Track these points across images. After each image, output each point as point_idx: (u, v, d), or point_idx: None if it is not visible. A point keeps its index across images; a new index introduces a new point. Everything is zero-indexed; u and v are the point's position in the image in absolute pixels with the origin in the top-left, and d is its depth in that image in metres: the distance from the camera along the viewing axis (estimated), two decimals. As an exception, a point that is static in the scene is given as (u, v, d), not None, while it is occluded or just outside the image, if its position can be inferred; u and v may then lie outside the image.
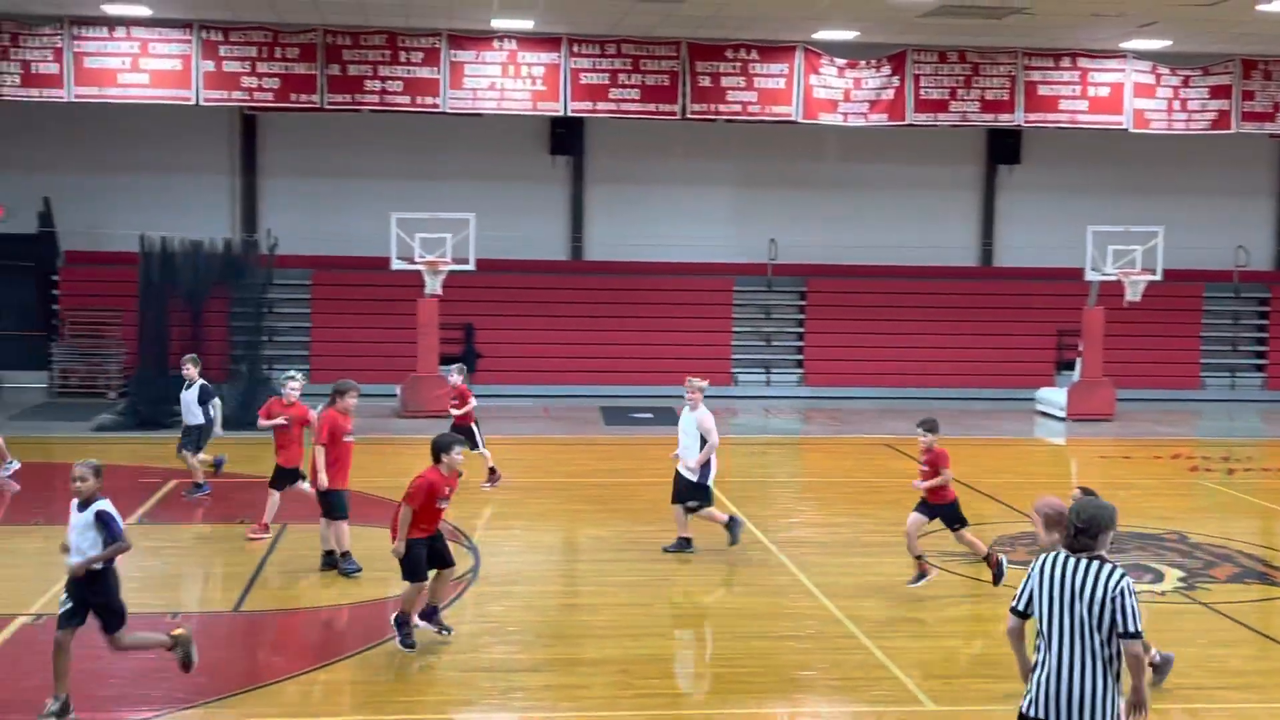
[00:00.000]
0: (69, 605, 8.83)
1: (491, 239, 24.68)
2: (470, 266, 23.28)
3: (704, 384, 14.12)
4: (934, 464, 12.34)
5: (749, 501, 16.23)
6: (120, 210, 25.68)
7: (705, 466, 13.56)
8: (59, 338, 25.18)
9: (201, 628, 11.00)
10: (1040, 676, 6.64)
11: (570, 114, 24.03)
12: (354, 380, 12.97)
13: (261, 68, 22.69)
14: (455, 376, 17.46)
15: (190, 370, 15.97)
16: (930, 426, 12.47)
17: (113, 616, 8.85)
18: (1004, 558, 12.31)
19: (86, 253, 25.97)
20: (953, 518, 12.42)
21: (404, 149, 26.83)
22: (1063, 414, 24.33)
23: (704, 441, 13.51)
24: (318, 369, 25.56)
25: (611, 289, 27.05)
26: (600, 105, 23.70)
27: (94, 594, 8.77)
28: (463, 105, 23.38)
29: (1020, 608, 6.81)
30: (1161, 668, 9.66)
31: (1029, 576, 6.79)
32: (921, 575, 12.23)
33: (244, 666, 10.22)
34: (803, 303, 28.01)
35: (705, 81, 23.73)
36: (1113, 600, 6.52)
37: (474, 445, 16.60)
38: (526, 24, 22.53)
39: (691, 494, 13.55)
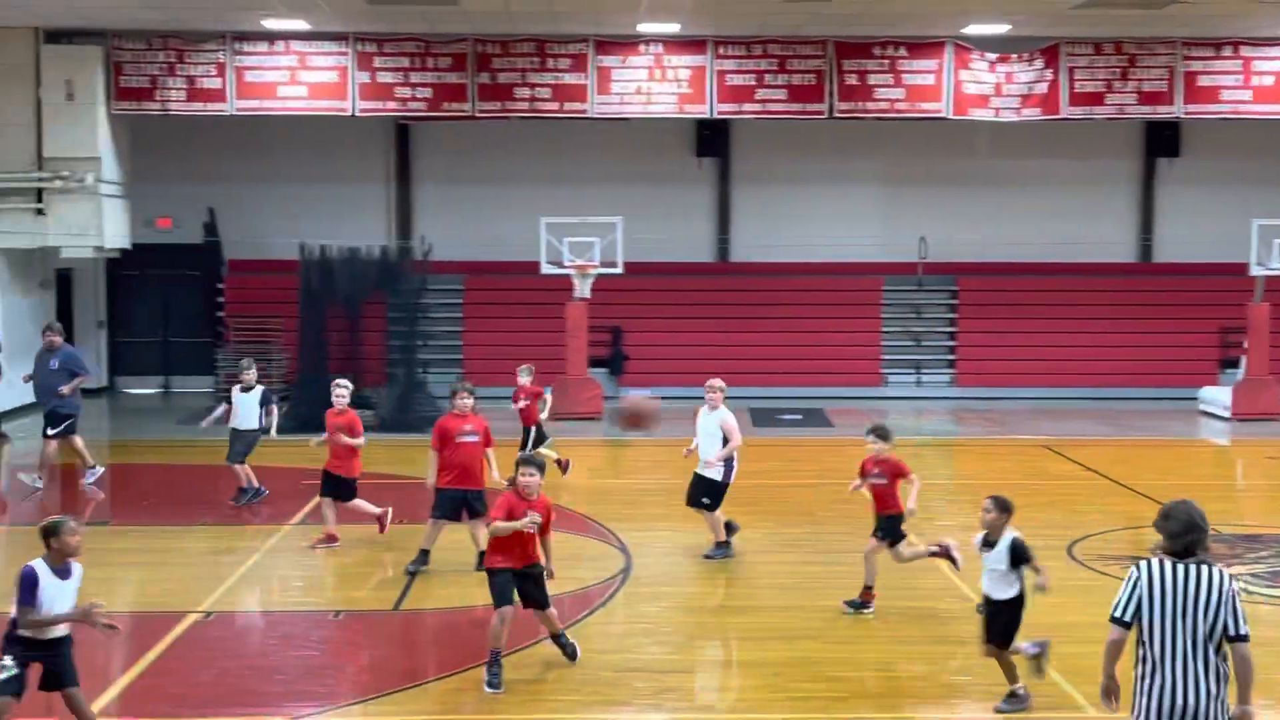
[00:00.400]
0: None
1: (638, 242, 24.83)
2: (618, 269, 23.45)
3: (723, 384, 13.95)
4: (893, 474, 11.71)
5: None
6: (281, 219, 26.46)
7: (728, 466, 13.37)
8: (224, 343, 26.04)
9: (362, 627, 11.30)
10: (1152, 692, 6.34)
11: (716, 116, 24.07)
12: (469, 382, 13.26)
13: (414, 78, 23.21)
14: (524, 378, 17.55)
15: (249, 375, 16.14)
16: (881, 434, 11.85)
17: None
18: (951, 542, 11.60)
19: (249, 261, 26.81)
20: (890, 530, 11.70)
21: (552, 154, 27.14)
22: (1227, 413, 23.56)
23: (725, 443, 13.31)
24: (470, 372, 26.02)
25: (758, 290, 26.98)
26: (746, 106, 23.69)
27: None
28: (610, 110, 23.58)
29: (1127, 618, 6.52)
30: (1039, 657, 9.42)
31: (1133, 585, 6.52)
32: (863, 605, 11.58)
33: (404, 665, 10.45)
34: (954, 301, 27.59)
35: (852, 80, 23.55)
36: (1224, 603, 6.27)
37: (533, 443, 16.67)
38: (672, 27, 22.62)
39: (707, 492, 13.32)
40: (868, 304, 27.19)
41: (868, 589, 11.58)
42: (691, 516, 15.78)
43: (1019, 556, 9.17)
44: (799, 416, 23.58)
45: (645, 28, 22.62)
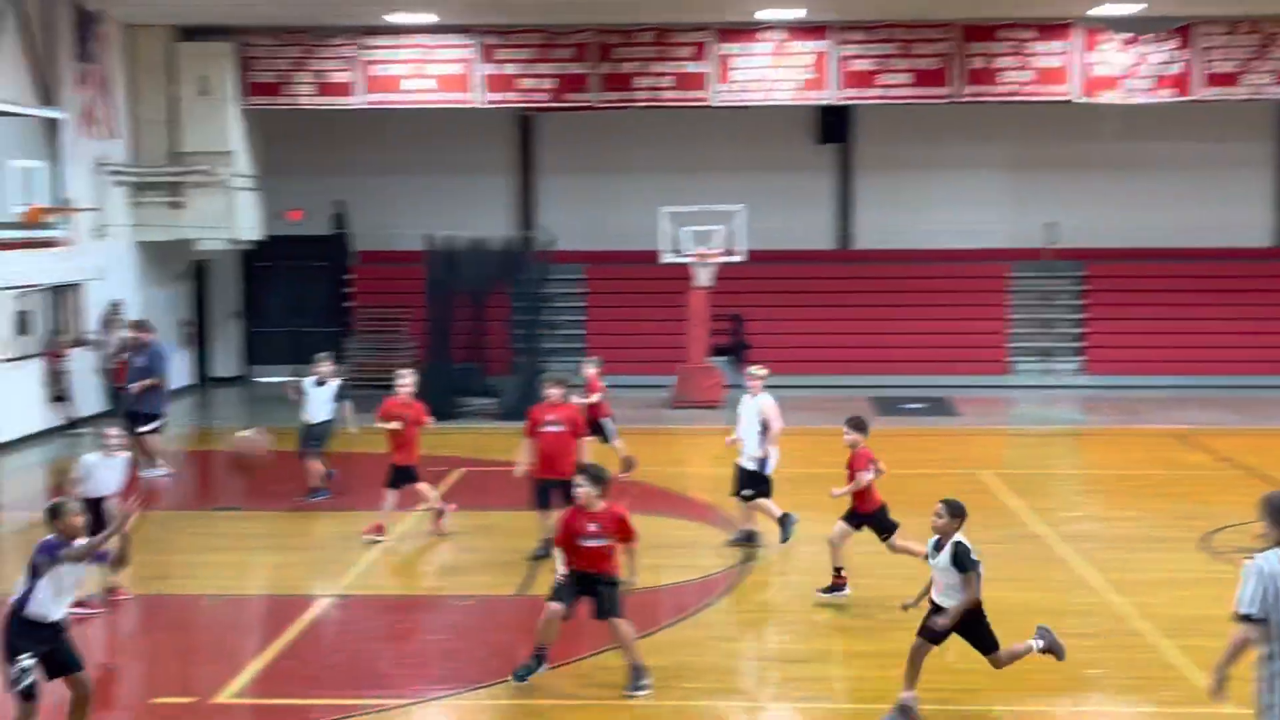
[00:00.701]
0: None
1: (759, 229, 24.75)
2: (739, 258, 23.42)
3: (764, 372, 13.84)
4: (853, 467, 11.56)
5: (1029, 494, 15.81)
6: (407, 211, 26.90)
7: (766, 456, 13.26)
8: (353, 333, 26.56)
9: (489, 612, 11.48)
10: None
11: (838, 102, 23.90)
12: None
13: (537, 69, 23.45)
14: (590, 369, 17.17)
15: (325, 368, 15.90)
16: (857, 424, 11.65)
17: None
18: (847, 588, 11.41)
19: (377, 252, 27.32)
20: (880, 525, 11.53)
21: (672, 143, 27.18)
22: (1371, 402, 22.77)
23: (765, 430, 13.15)
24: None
25: (881, 277, 26.74)
26: (869, 92, 23.49)
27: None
28: (731, 98, 23.56)
29: (1258, 612, 6.37)
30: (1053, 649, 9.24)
31: (1252, 579, 6.39)
32: (836, 588, 11.41)
33: (530, 650, 10.56)
34: (1083, 288, 27.04)
35: (978, 63, 23.22)
36: None
37: (605, 439, 16.40)
38: (794, 13, 22.50)
39: (749, 483, 13.17)
40: (993, 291, 26.78)
41: (838, 571, 11.50)
42: (817, 504, 15.73)
43: (959, 562, 8.74)
44: (923, 405, 23.32)
45: (766, 14, 22.54)
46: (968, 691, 9.47)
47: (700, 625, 10.66)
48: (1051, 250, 26.90)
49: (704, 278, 23.35)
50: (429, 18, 22.58)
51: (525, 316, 24.10)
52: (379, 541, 13.43)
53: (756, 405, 13.42)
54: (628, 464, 16.49)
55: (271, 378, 27.15)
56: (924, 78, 23.36)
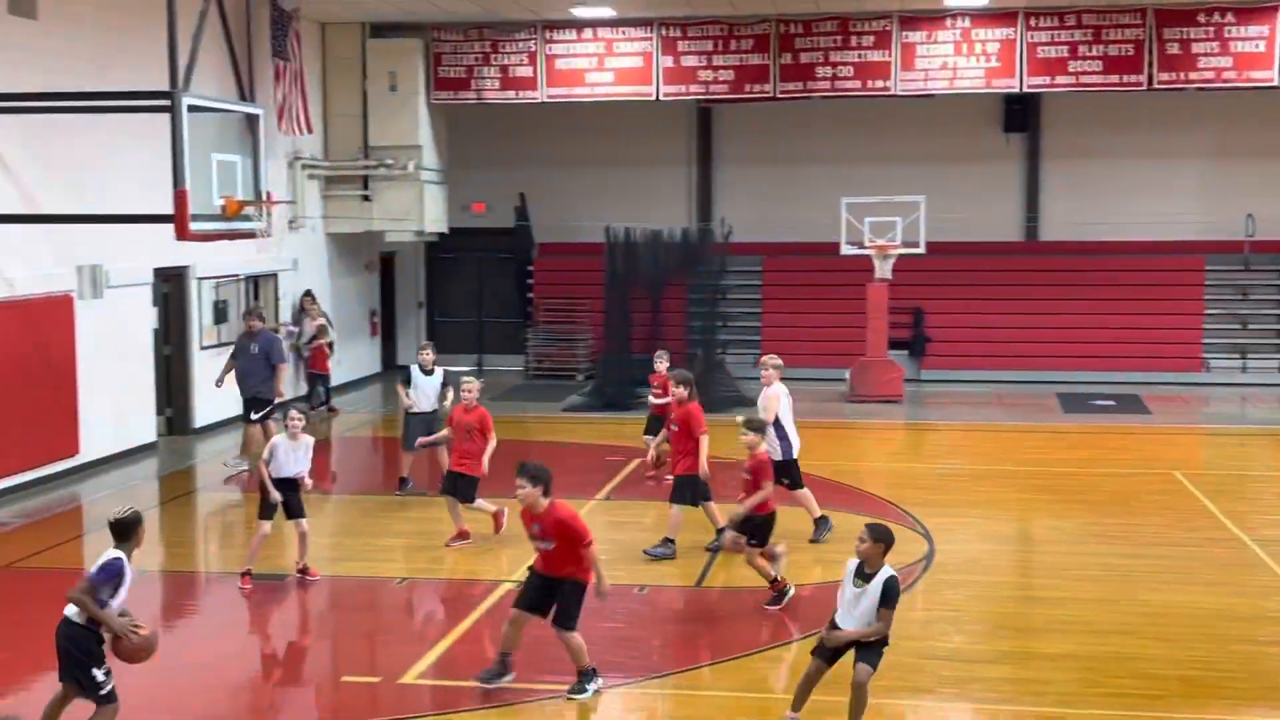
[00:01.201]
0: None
1: (942, 221, 24.31)
2: (920, 250, 23.04)
3: (779, 362, 13.61)
4: (756, 473, 11.03)
5: (1224, 496, 15.21)
6: (586, 202, 27.18)
7: (784, 444, 12.93)
8: (533, 324, 26.97)
9: (665, 601, 11.53)
10: None
11: (1026, 90, 23.32)
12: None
13: (717, 60, 23.42)
14: (661, 364, 16.50)
15: (427, 354, 15.37)
16: (755, 426, 11.08)
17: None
18: (791, 589, 10.96)
19: (557, 244, 27.66)
20: (761, 532, 11.06)
21: (852, 133, 26.89)
22: None
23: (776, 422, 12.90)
24: (769, 354, 26.10)
25: (1069, 270, 26.00)
26: (1059, 80, 22.85)
27: None
28: (914, 87, 23.18)
29: None
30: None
31: None
32: (780, 596, 10.95)
33: (708, 640, 10.61)
34: (1284, 282, 25.88)
35: (1174, 49, 22.38)
36: None
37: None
38: (980, 0, 22.02)
39: (778, 473, 12.58)
40: (1188, 285, 25.79)
41: (773, 582, 11.05)
42: (997, 502, 15.42)
43: (887, 597, 8.10)
44: (1112, 402, 22.60)
45: (952, 1, 22.10)
46: (1155, 698, 9.15)
47: (878, 622, 10.52)
48: (1250, 243, 25.79)
49: (884, 270, 23.04)
50: (610, 12, 22.75)
51: (702, 308, 24.12)
52: (463, 545, 13.06)
53: (763, 397, 13.41)
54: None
55: (453, 366, 27.79)
56: (1117, 64, 22.61)
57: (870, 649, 8.24)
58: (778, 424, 13.08)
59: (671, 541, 12.76)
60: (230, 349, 17.77)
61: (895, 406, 22.43)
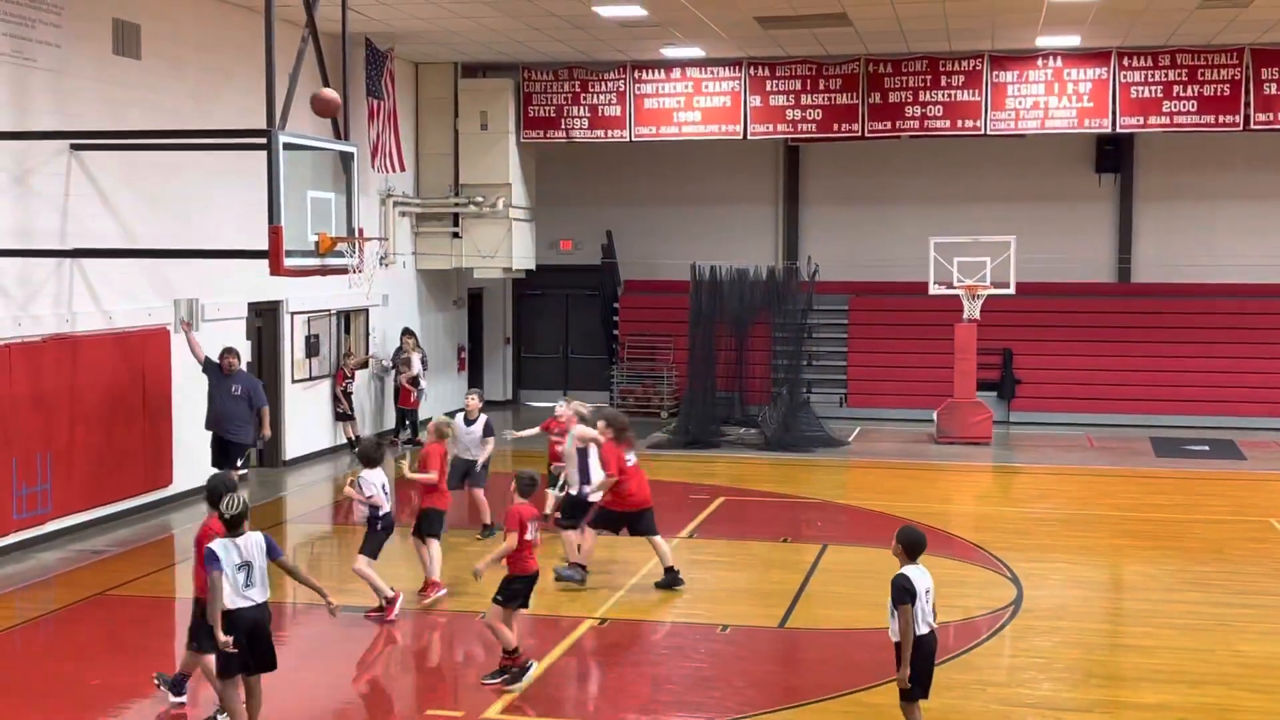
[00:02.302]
0: None
1: (1031, 261, 24.07)
2: (1010, 290, 22.81)
3: (581, 408, 13.90)
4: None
5: (1323, 545, 14.82)
6: (673, 240, 27.29)
7: (584, 481, 13.34)
8: (618, 361, 27.06)
9: (749, 641, 11.46)
10: None
11: (1119, 131, 23.04)
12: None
13: (805, 100, 23.43)
14: (561, 408, 15.01)
15: (473, 403, 15.11)
16: (526, 481, 10.52)
17: None
18: (532, 667, 10.19)
19: (643, 281, 27.77)
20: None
21: (941, 173, 26.74)
22: None
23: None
24: (854, 393, 26.01)
25: (1162, 312, 25.58)
26: (1152, 120, 22.56)
27: None
28: (1004, 127, 23.01)
29: None
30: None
31: None
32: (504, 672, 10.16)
33: (789, 682, 10.52)
34: (1386, 327, 25.21)
35: (1271, 89, 22.03)
36: None
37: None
38: (1073, 40, 21.83)
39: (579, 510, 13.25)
40: (1285, 328, 25.26)
41: (506, 654, 10.16)
42: (1087, 547, 15.16)
43: (892, 597, 8.37)
44: (1206, 447, 22.14)
45: (1045, 41, 21.93)
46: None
47: (967, 668, 10.38)
48: (1352, 286, 25.21)
49: (973, 310, 22.83)
50: (699, 52, 22.88)
51: (787, 347, 24.06)
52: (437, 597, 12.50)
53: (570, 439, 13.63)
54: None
55: (538, 403, 27.95)
56: (1212, 104, 22.28)
57: (900, 659, 8.36)
58: (583, 463, 13.32)
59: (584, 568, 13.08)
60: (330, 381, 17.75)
61: (983, 448, 22.16)
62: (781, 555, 14.57)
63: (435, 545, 12.60)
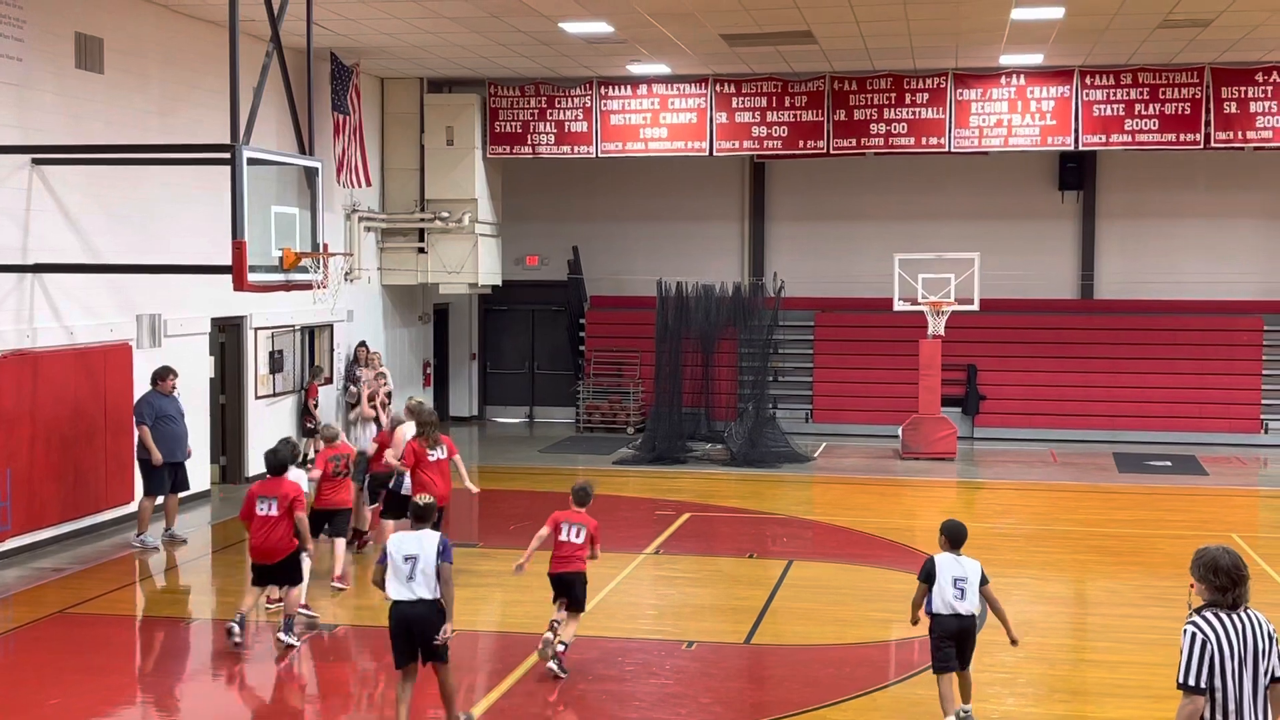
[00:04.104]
0: None
1: (995, 278, 24.23)
2: (974, 306, 22.94)
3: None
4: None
5: (1276, 558, 14.94)
6: (639, 256, 27.32)
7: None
8: (584, 377, 27.04)
9: (714, 657, 11.45)
10: None
11: (1082, 148, 23.24)
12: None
13: (770, 117, 23.52)
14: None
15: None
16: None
17: None
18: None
19: (609, 297, 27.77)
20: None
21: (906, 190, 26.88)
22: None
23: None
24: (820, 409, 26.10)
25: (1125, 329, 25.78)
26: (1114, 138, 22.77)
27: None
28: (968, 144, 23.18)
29: (1202, 684, 6.04)
30: None
31: (1198, 647, 6.07)
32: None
33: (754, 699, 10.51)
34: (1346, 343, 25.49)
35: (1231, 108, 22.26)
36: (1273, 649, 6.05)
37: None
38: (1036, 58, 22.02)
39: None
40: (1246, 345, 25.45)
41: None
42: (1051, 562, 15.23)
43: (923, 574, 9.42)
44: (1168, 463, 22.32)
45: (1008, 59, 22.11)
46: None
47: (932, 684, 10.39)
48: (1311, 303, 25.49)
49: (937, 326, 22.95)
50: (665, 69, 22.94)
51: (753, 363, 24.11)
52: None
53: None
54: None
55: (504, 419, 27.91)
56: (1173, 123, 22.51)
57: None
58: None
59: None
60: (296, 396, 17.72)
61: (948, 464, 22.25)
62: (747, 571, 14.57)
63: (340, 544, 13.52)
